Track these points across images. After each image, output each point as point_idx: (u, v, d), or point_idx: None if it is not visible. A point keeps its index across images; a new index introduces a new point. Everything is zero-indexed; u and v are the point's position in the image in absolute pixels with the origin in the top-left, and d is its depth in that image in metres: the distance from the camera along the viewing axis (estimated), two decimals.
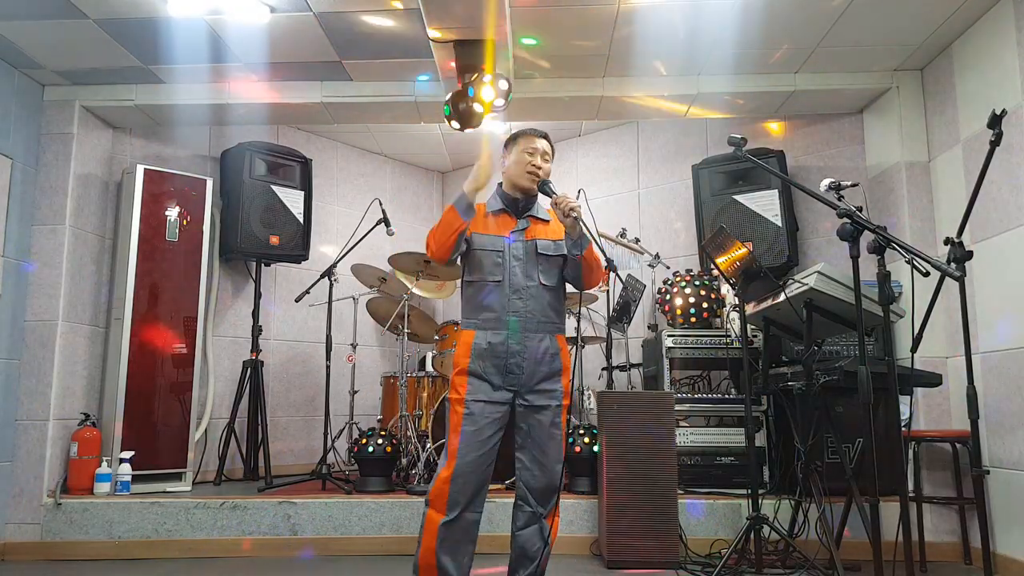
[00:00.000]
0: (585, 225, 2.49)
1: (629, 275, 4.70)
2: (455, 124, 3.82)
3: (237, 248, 4.81)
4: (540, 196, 2.64)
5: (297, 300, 4.67)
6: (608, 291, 4.55)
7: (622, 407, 3.57)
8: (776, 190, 4.48)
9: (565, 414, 2.54)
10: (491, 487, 2.55)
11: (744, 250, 3.25)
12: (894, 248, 2.37)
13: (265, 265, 5.19)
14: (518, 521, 2.52)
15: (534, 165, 2.56)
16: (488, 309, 2.50)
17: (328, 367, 4.59)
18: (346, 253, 4.64)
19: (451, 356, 4.72)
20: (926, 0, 3.44)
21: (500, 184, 2.67)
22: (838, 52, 3.93)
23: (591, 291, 4.90)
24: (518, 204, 2.61)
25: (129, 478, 4.05)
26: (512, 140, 2.65)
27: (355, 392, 4.95)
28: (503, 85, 3.73)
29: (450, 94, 3.74)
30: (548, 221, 2.63)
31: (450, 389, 2.53)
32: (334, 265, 4.60)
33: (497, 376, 2.47)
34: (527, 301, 2.50)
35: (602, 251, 4.51)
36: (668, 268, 4.95)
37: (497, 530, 3.71)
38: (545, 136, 2.64)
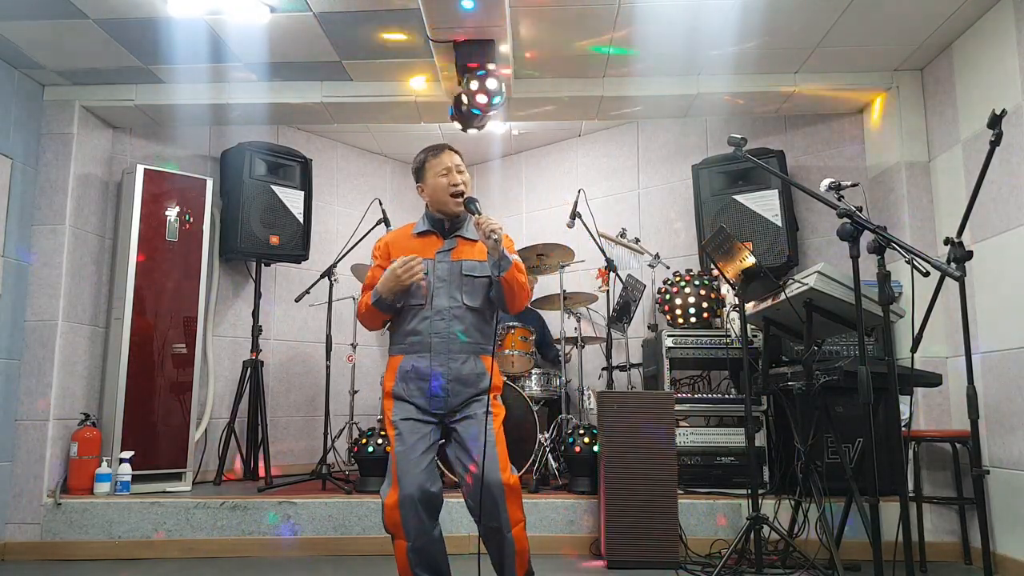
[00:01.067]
0: (499, 249, 2.37)
1: (629, 275, 4.70)
2: (458, 125, 3.83)
3: (237, 248, 4.81)
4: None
5: (297, 300, 4.68)
6: (608, 291, 4.55)
7: (622, 407, 3.57)
8: (776, 190, 4.48)
9: (498, 422, 2.44)
10: (453, 491, 2.48)
11: (751, 261, 3.24)
12: (894, 248, 2.37)
13: (265, 265, 5.19)
14: (480, 533, 2.41)
15: (453, 185, 2.50)
16: (412, 333, 2.47)
17: (328, 367, 4.59)
18: (346, 253, 4.64)
19: None
20: (926, 0, 3.44)
21: (427, 205, 2.61)
22: (838, 52, 3.93)
23: (593, 292, 4.92)
24: (444, 225, 2.56)
25: (129, 478, 4.05)
26: (420, 167, 2.59)
27: (355, 392, 4.95)
28: (492, 84, 3.68)
29: (454, 96, 3.75)
30: (476, 241, 2.52)
31: (383, 417, 2.51)
32: (334, 265, 4.60)
33: (422, 399, 2.43)
34: (449, 322, 2.45)
35: (602, 251, 4.54)
36: (668, 268, 4.95)
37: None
38: (448, 148, 2.58)
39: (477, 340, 2.49)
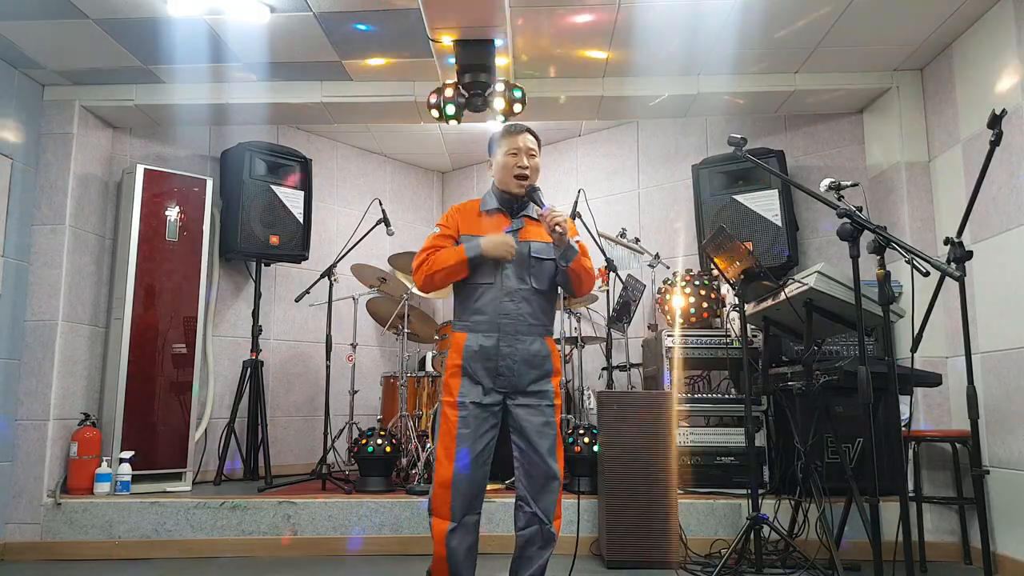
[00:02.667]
0: (565, 240, 2.41)
1: (629, 275, 4.70)
2: (434, 114, 3.81)
3: (237, 248, 4.81)
4: None
5: (297, 300, 4.68)
6: (608, 291, 4.55)
7: (622, 407, 3.57)
8: (776, 190, 4.48)
9: (559, 414, 2.52)
10: (492, 487, 2.56)
11: (751, 261, 3.24)
12: (894, 248, 2.37)
13: (265, 265, 5.19)
14: (519, 522, 2.50)
15: (520, 167, 2.51)
16: (479, 312, 2.48)
17: (328, 367, 4.59)
18: (346, 253, 4.64)
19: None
20: (926, 0, 3.44)
21: (493, 182, 2.63)
22: (838, 52, 3.93)
23: (593, 292, 4.91)
24: (512, 204, 2.57)
25: (129, 478, 4.05)
26: (494, 142, 2.60)
27: (355, 392, 4.95)
28: (499, 104, 3.71)
29: (448, 89, 3.73)
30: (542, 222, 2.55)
31: (443, 392, 2.52)
32: (334, 265, 4.60)
33: (488, 379, 2.46)
34: (519, 304, 2.47)
35: (602, 251, 4.54)
36: (668, 268, 4.95)
37: (497, 530, 3.71)
38: (527, 130, 2.57)
39: (543, 322, 2.52)
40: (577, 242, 2.48)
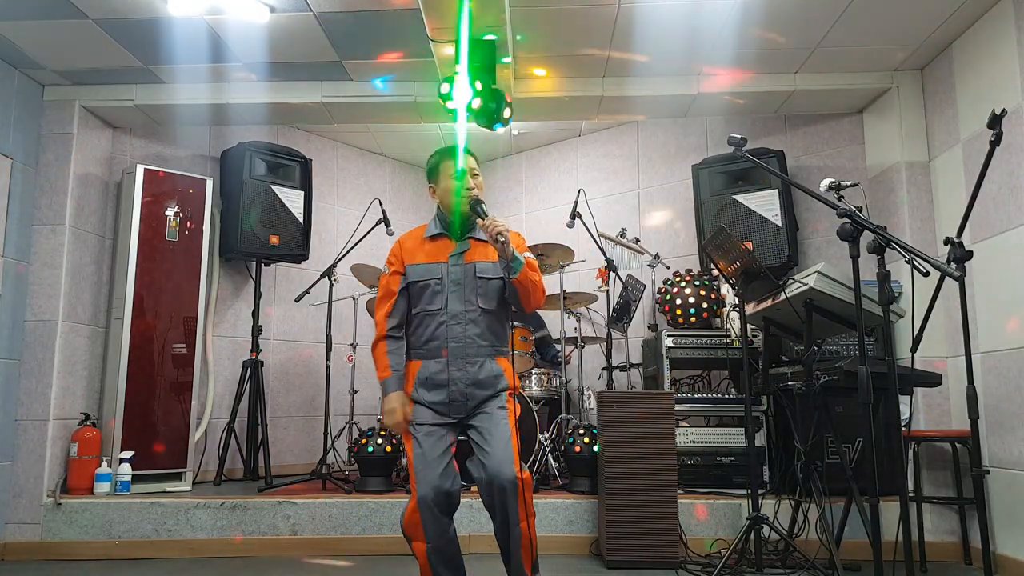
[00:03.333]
0: (509, 251, 2.36)
1: (629, 275, 4.70)
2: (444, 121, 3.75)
3: (237, 248, 4.81)
4: None
5: (297, 300, 4.68)
6: (608, 291, 4.55)
7: (622, 407, 3.57)
8: (776, 190, 4.48)
9: (512, 416, 2.44)
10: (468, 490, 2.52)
11: (750, 261, 3.24)
12: (894, 248, 2.37)
13: (265, 265, 5.19)
14: (494, 525, 2.43)
15: (466, 188, 2.49)
16: (430, 339, 2.48)
17: (328, 367, 4.59)
18: (346, 253, 4.64)
19: None
20: (926, 0, 3.44)
21: (438, 206, 2.61)
22: (838, 52, 3.93)
23: (593, 292, 4.91)
24: (456, 227, 2.56)
25: (129, 478, 4.05)
26: (434, 168, 2.59)
27: (355, 392, 4.95)
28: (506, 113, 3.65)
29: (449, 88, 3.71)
30: (487, 242, 2.48)
31: None
32: (334, 265, 4.60)
33: (441, 405, 2.45)
34: (465, 326, 2.46)
35: (602, 251, 4.54)
36: (668, 268, 4.95)
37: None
38: (465, 151, 2.56)
39: (492, 343, 2.50)
40: (526, 257, 2.44)
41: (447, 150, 2.58)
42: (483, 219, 2.39)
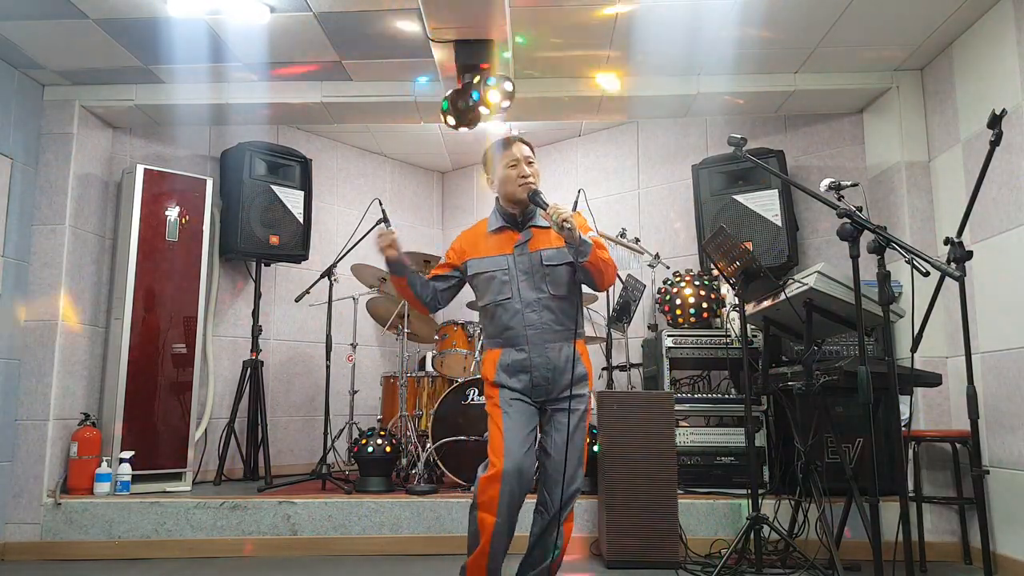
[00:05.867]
0: (576, 236, 2.39)
1: (629, 275, 4.70)
2: (451, 121, 3.78)
3: (237, 248, 4.81)
4: None
5: (297, 300, 4.67)
6: (608, 291, 4.55)
7: (622, 407, 3.57)
8: (776, 190, 4.48)
9: (589, 420, 2.57)
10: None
11: (749, 259, 3.24)
12: (894, 248, 2.37)
13: (265, 265, 5.19)
14: (535, 526, 2.52)
15: (522, 176, 2.53)
16: (507, 327, 2.53)
17: (328, 367, 4.59)
18: (346, 253, 4.64)
19: (451, 356, 4.74)
20: (926, 0, 3.44)
21: (497, 199, 2.66)
22: (838, 52, 3.93)
23: (595, 294, 4.91)
24: (517, 218, 2.61)
25: (129, 478, 4.05)
26: (490, 159, 2.62)
27: (355, 392, 4.95)
28: (508, 87, 3.65)
29: (449, 91, 3.72)
30: (549, 227, 2.53)
31: (486, 401, 2.58)
32: (334, 265, 4.60)
33: (525, 389, 2.51)
34: (540, 313, 2.51)
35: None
36: (668, 268, 4.95)
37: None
38: (520, 140, 2.61)
39: (568, 326, 2.54)
40: (591, 237, 2.47)
41: (501, 139, 2.62)
42: (545, 209, 2.42)
